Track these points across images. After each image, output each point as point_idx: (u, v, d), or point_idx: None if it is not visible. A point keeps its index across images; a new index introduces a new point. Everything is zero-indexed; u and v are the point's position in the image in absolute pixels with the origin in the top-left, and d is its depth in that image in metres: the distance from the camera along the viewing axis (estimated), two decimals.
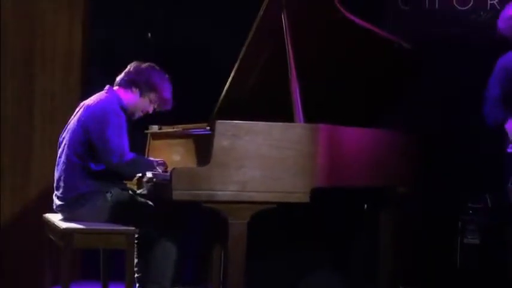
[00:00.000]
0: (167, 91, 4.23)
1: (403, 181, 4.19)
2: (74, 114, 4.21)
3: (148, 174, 4.09)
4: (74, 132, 4.09)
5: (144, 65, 4.23)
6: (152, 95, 4.20)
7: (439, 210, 4.95)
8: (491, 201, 4.69)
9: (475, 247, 4.66)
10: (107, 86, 4.22)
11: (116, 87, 4.22)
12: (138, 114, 4.24)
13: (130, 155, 4.00)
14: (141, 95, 4.19)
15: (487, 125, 4.41)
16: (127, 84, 4.19)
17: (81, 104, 4.22)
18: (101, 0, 5.41)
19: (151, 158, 4.30)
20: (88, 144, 4.02)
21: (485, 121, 4.42)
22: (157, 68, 4.25)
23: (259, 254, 4.29)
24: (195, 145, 4.11)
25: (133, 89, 4.18)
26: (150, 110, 4.24)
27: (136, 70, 4.20)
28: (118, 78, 4.24)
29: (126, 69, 4.24)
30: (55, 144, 4.23)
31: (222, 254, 4.42)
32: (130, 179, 4.32)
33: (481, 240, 4.65)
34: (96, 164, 4.04)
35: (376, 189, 4.22)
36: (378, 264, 4.36)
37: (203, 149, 3.95)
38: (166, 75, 4.25)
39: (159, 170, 4.09)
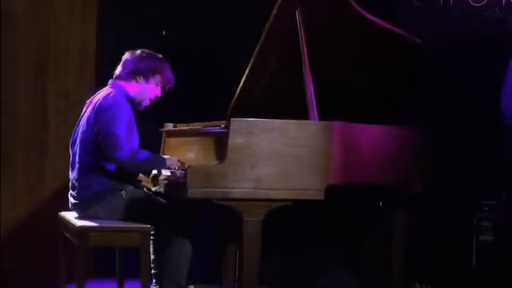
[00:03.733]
0: (168, 69, 4.23)
1: (417, 179, 4.17)
2: (82, 113, 4.21)
3: (165, 172, 4.09)
4: (85, 132, 4.09)
5: (138, 52, 4.21)
6: (157, 77, 4.20)
7: (454, 207, 4.94)
8: (506, 198, 4.67)
9: (490, 244, 4.65)
10: (110, 81, 4.22)
11: (117, 81, 4.21)
12: (145, 102, 4.22)
13: (143, 154, 4.01)
14: (147, 81, 4.19)
15: (506, 124, 4.35)
16: (129, 75, 4.18)
17: (88, 102, 4.23)
18: (113, 0, 5.42)
19: (166, 156, 4.29)
20: (99, 142, 4.03)
21: (503, 119, 4.35)
22: (150, 51, 4.25)
23: (274, 251, 4.29)
24: (210, 143, 4.10)
25: (138, 78, 4.18)
26: (159, 92, 4.24)
27: (134, 59, 4.19)
28: (117, 72, 4.22)
29: (122, 61, 4.23)
30: (69, 144, 4.24)
31: (237, 252, 4.42)
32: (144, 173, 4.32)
33: (496, 237, 4.63)
34: (110, 163, 4.04)
35: (390, 187, 4.21)
36: (391, 261, 4.35)
37: (218, 147, 3.95)
38: (160, 56, 4.25)
39: (175, 168, 4.08)
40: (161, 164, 4.09)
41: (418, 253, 4.74)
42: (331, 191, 3.71)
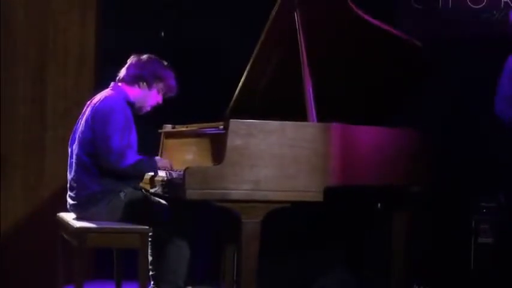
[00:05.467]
0: (172, 78, 4.22)
1: (416, 180, 4.17)
2: (82, 113, 4.21)
3: (162, 174, 4.09)
4: (83, 133, 4.08)
5: (144, 58, 4.21)
6: (160, 85, 4.20)
7: (452, 209, 4.94)
8: (504, 199, 4.67)
9: (488, 246, 4.65)
10: (112, 83, 4.22)
11: (120, 84, 4.21)
12: (146, 108, 4.23)
13: (131, 159, 3.98)
14: (150, 87, 4.18)
15: (501, 124, 4.38)
16: (132, 80, 4.17)
17: (88, 103, 4.23)
18: (113, 1, 5.42)
19: (157, 158, 4.30)
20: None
21: (498, 120, 4.40)
22: (157, 57, 4.25)
23: (273, 252, 4.29)
24: (209, 144, 4.11)
25: (141, 84, 4.18)
26: (160, 99, 4.25)
27: (139, 64, 4.19)
28: (121, 75, 4.22)
29: (127, 65, 4.22)
30: (68, 144, 4.24)
31: (235, 253, 4.41)
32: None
33: (494, 239, 4.63)
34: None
35: (389, 188, 4.21)
36: (391, 263, 4.36)
37: (216, 148, 3.95)
38: (166, 63, 4.25)
39: (163, 171, 4.10)
40: (151, 168, 4.10)
41: (417, 254, 4.74)
42: (330, 192, 3.71)
